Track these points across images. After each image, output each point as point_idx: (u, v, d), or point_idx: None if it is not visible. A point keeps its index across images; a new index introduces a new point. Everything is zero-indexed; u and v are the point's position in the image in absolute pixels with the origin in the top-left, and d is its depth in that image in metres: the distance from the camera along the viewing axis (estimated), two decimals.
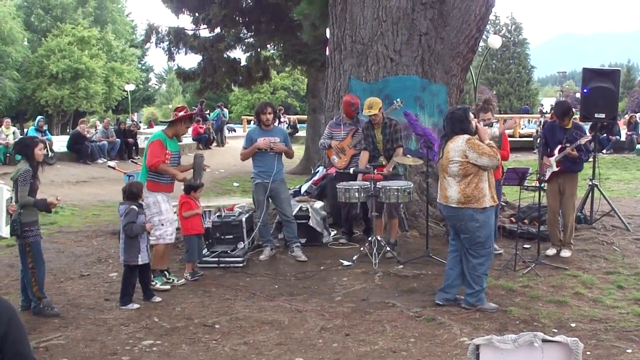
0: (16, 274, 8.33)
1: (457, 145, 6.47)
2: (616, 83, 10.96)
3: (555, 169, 8.76)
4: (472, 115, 6.76)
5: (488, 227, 6.55)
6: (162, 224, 7.72)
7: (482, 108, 9.23)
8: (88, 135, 21.54)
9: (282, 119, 31.12)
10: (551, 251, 8.93)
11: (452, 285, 6.86)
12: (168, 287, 7.76)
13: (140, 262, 7.10)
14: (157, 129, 17.52)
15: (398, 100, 9.57)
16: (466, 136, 6.50)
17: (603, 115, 10.89)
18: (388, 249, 8.72)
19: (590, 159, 10.34)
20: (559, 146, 8.75)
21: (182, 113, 7.99)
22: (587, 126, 20.08)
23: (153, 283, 7.65)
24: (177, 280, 7.92)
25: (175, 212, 8.28)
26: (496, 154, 6.48)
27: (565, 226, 8.96)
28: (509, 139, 10.21)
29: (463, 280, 6.80)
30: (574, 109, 9.69)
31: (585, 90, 10.95)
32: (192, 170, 8.30)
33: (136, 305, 7.02)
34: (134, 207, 7.07)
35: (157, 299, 7.27)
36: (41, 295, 6.79)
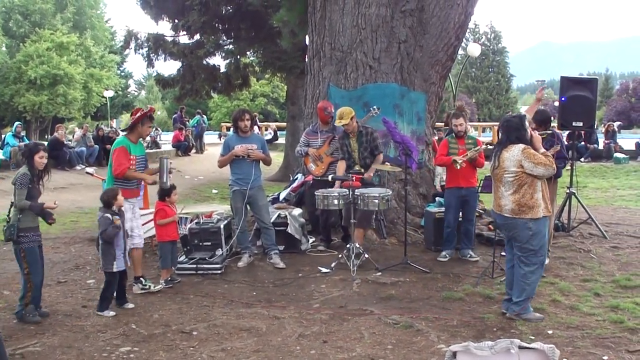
0: None
1: (513, 154, 6.38)
2: (594, 92, 11.05)
3: None
4: (527, 124, 6.66)
5: (541, 236, 6.44)
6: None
7: (454, 115, 9.26)
8: (66, 142, 21.42)
9: (266, 129, 31.10)
10: None
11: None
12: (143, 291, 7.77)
13: (114, 270, 7.01)
14: None
15: (375, 107, 9.60)
16: (522, 145, 6.40)
17: (581, 124, 10.96)
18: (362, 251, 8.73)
19: (568, 167, 10.39)
20: None
21: (138, 114, 7.84)
22: (565, 133, 20.18)
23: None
24: (154, 287, 7.87)
25: (143, 216, 8.26)
26: (552, 163, 6.37)
27: None
28: (489, 146, 10.23)
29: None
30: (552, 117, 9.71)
31: (563, 99, 11.03)
32: (159, 173, 8.19)
33: (112, 313, 6.95)
34: (108, 215, 6.98)
35: (130, 305, 7.21)
36: (29, 302, 6.73)
